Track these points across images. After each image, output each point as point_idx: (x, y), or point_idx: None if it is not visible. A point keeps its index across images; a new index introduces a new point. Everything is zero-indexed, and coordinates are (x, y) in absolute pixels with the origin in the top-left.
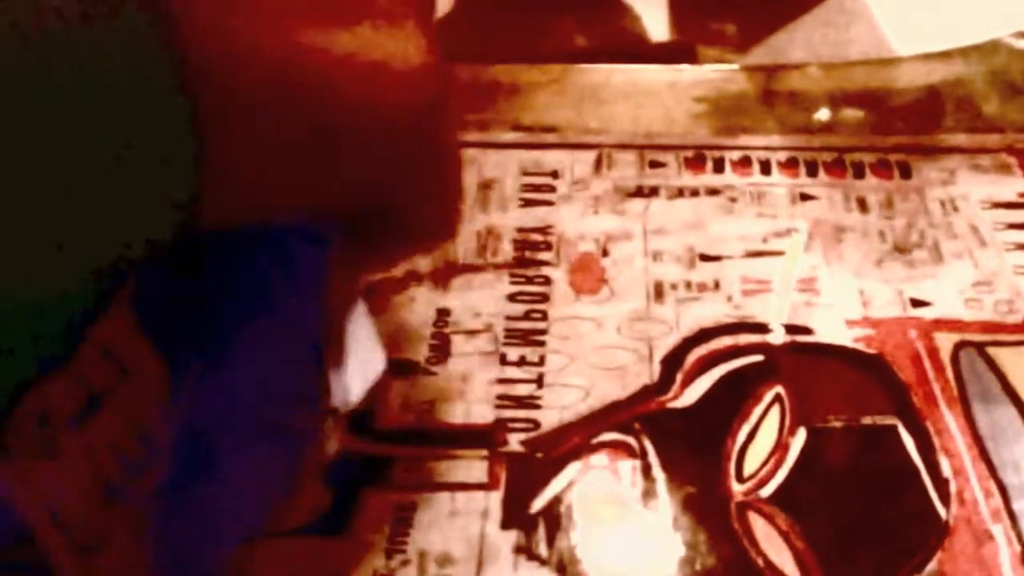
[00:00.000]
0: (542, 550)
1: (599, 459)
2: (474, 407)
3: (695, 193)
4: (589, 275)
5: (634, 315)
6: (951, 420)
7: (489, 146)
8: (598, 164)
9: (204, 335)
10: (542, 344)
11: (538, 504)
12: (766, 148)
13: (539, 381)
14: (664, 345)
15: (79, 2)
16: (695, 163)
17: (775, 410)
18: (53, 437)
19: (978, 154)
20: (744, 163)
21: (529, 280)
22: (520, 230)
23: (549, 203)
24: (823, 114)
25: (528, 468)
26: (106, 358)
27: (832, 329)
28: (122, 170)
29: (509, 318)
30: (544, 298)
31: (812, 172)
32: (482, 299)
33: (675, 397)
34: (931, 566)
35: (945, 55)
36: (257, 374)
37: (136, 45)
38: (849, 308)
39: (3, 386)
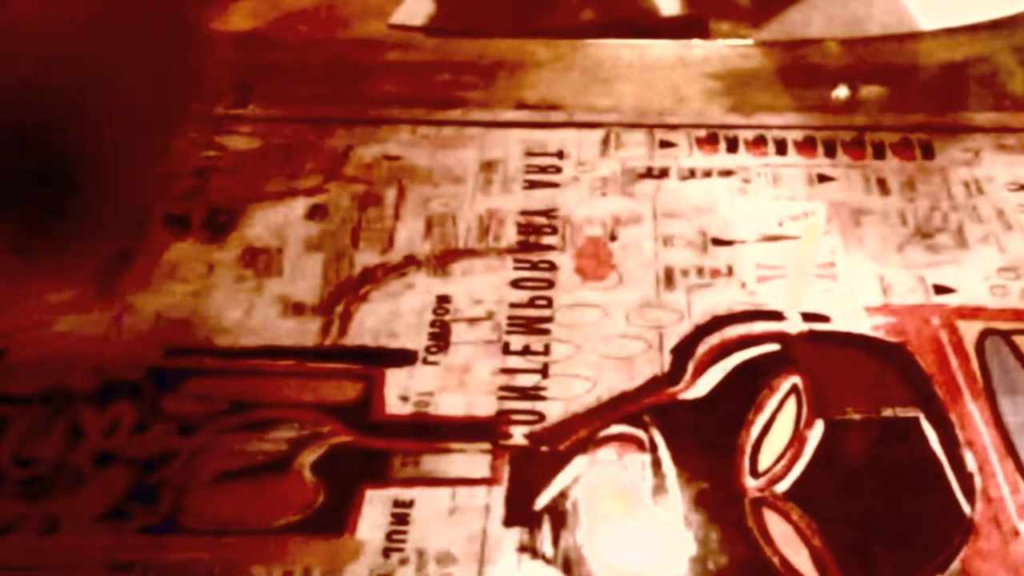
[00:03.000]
0: (547, 548)
1: (607, 453)
2: (476, 398)
3: (707, 174)
4: (596, 260)
5: (643, 302)
6: (976, 412)
7: (491, 125)
8: (605, 144)
9: None
10: (547, 332)
11: (543, 500)
12: (782, 127)
13: (544, 371)
14: (675, 334)
15: None
16: (707, 143)
17: (791, 402)
18: None
19: (1004, 133)
20: (759, 143)
21: (533, 265)
22: (524, 213)
23: (554, 185)
24: (842, 92)
25: (532, 462)
26: None
27: (851, 317)
28: None
29: (512, 305)
30: (549, 284)
31: (830, 152)
32: (484, 285)
33: (686, 388)
34: (955, 565)
35: (970, 30)
36: None
37: None
38: (869, 295)
39: None
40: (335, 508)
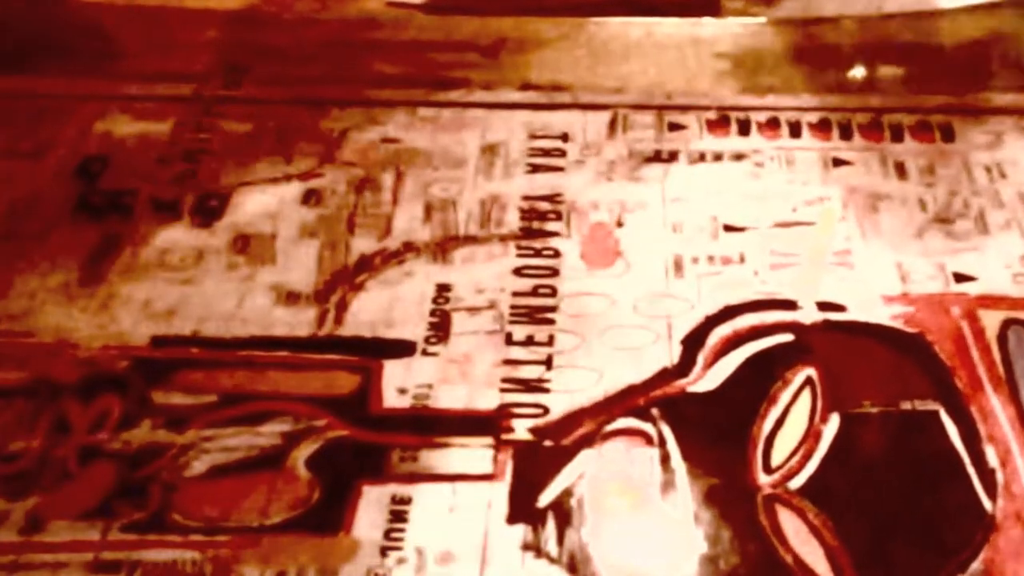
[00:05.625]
0: (551, 547)
1: (613, 448)
2: (477, 391)
3: (718, 158)
4: (602, 247)
5: (652, 291)
6: (997, 405)
7: (494, 106)
8: (612, 126)
9: None
10: (551, 322)
11: (547, 497)
12: (796, 108)
13: (548, 363)
14: (684, 324)
15: None
16: (718, 125)
17: (806, 394)
18: None
19: None
20: (772, 125)
21: (537, 253)
22: (527, 198)
23: (559, 169)
24: (858, 71)
25: (536, 458)
26: None
27: (868, 306)
28: None
29: (515, 294)
30: (553, 272)
31: (846, 135)
32: (486, 273)
33: (696, 380)
34: (976, 564)
35: (991, 7)
36: None
37: None
38: (886, 283)
39: None
40: (330, 505)
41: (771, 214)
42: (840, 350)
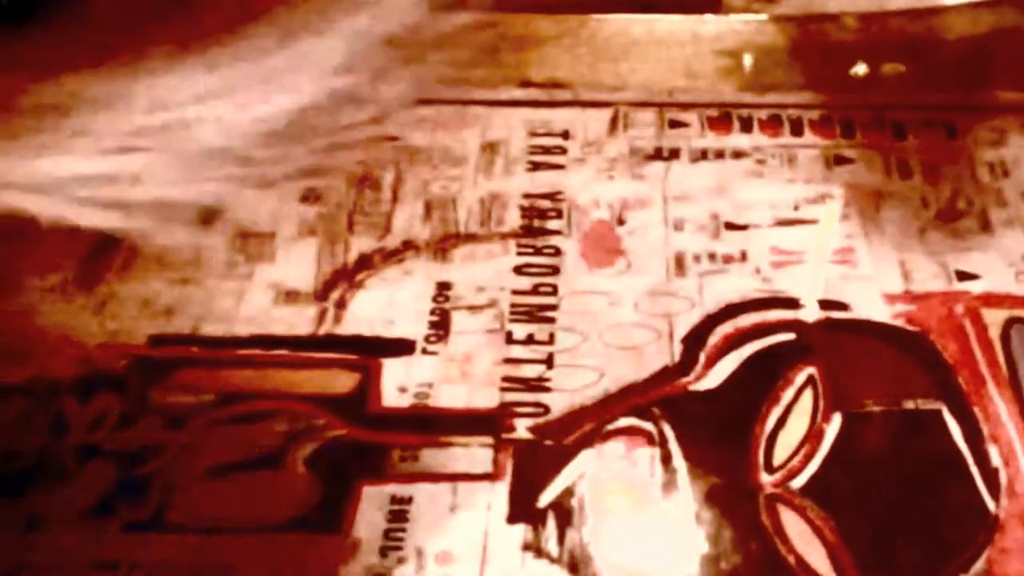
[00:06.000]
0: (552, 547)
1: (614, 447)
2: (477, 390)
3: (720, 155)
4: (603, 245)
5: (653, 289)
6: (1001, 404)
7: (494, 104)
8: (613, 124)
9: None
10: (552, 321)
11: (547, 497)
12: (797, 106)
13: (548, 362)
14: (686, 322)
15: None
16: (720, 123)
17: (808, 393)
18: None
19: None
20: (773, 122)
21: (537, 251)
22: (527, 196)
23: (559, 167)
24: (860, 68)
25: (537, 457)
26: None
27: (870, 305)
28: None
29: (516, 292)
30: (554, 271)
31: (848, 132)
32: (486, 272)
33: (697, 379)
34: (979, 564)
35: (995, 3)
36: None
37: None
38: (889, 282)
39: None
40: (330, 505)
41: (773, 212)
42: (842, 349)
